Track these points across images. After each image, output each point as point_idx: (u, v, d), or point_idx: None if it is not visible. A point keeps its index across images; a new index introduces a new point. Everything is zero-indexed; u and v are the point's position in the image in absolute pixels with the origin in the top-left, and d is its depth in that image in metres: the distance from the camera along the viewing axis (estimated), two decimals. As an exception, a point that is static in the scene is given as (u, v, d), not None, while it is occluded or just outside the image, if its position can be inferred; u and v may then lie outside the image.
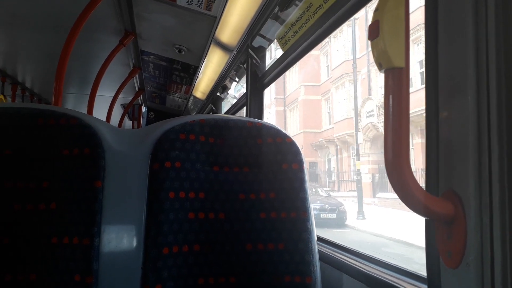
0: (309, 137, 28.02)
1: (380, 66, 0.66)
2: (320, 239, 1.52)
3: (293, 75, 30.15)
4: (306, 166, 1.08)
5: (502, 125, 0.62)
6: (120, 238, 0.97)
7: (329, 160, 27.00)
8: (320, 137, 27.12)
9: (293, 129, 30.22)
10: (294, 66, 2.12)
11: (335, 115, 25.01)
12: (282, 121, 32.31)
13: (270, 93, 32.01)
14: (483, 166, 0.64)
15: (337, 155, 25.05)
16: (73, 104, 5.25)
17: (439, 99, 0.73)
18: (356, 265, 1.18)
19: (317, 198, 15.61)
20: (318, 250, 1.09)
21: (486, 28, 0.65)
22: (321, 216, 13.88)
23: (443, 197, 0.70)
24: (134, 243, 0.96)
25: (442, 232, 0.71)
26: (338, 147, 24.74)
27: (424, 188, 0.69)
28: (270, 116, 32.71)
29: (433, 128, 0.75)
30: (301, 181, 1.05)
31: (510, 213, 0.60)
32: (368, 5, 1.25)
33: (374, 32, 0.65)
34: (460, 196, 0.66)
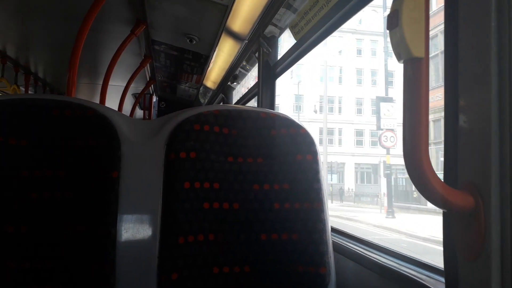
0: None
1: (399, 57, 0.65)
2: (334, 230, 1.52)
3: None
4: (320, 157, 1.08)
5: None
6: (136, 228, 0.98)
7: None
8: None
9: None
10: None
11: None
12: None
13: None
14: (504, 158, 0.63)
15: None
16: (86, 93, 5.29)
17: (459, 88, 0.72)
18: (371, 256, 1.18)
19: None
20: (333, 241, 1.09)
21: (509, 16, 0.64)
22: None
23: (462, 189, 0.69)
24: (150, 233, 0.98)
25: (460, 224, 0.70)
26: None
27: (442, 180, 0.69)
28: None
29: (452, 118, 0.74)
30: (315, 172, 1.05)
31: None
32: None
33: (393, 22, 0.63)
34: (480, 188, 0.65)
